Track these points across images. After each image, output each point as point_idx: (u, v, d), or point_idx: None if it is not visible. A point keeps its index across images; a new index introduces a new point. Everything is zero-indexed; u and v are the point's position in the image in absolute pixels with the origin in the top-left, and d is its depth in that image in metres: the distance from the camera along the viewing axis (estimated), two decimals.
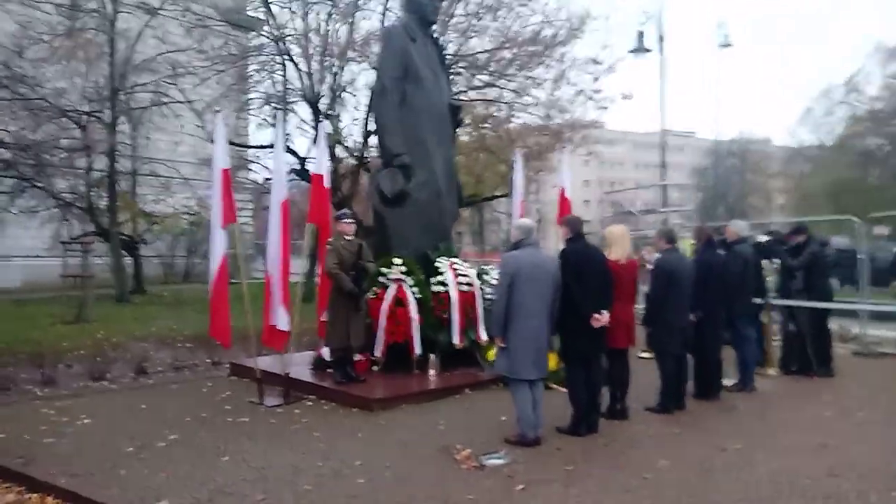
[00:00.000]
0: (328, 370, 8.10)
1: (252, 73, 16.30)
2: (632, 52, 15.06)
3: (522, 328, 5.58)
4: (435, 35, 9.33)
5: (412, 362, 7.92)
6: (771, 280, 8.35)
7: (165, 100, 18.17)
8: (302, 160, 15.72)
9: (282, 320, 7.03)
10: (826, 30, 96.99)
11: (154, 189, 22.14)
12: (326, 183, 7.78)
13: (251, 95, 17.64)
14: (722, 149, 60.17)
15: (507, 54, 12.65)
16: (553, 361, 7.84)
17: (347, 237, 7.56)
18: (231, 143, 18.10)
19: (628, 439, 5.76)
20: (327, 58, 13.16)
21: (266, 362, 7.89)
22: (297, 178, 16.06)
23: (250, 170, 27.36)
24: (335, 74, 13.94)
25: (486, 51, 12.62)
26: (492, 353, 8.10)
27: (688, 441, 5.71)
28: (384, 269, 8.02)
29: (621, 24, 14.59)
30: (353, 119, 15.42)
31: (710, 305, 6.87)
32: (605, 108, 13.43)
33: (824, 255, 8.13)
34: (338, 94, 14.44)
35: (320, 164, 7.74)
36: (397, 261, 8.09)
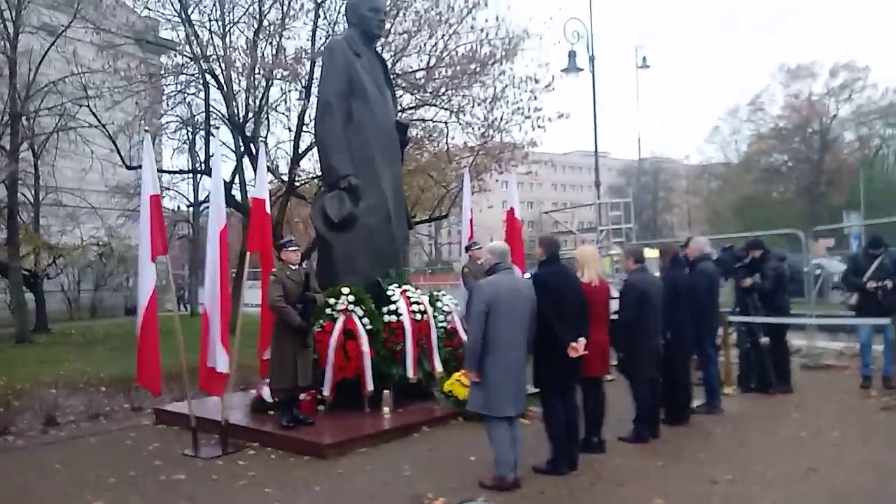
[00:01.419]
0: (269, 412, 7.42)
1: (169, 95, 15.31)
2: (564, 71, 15.02)
3: (500, 361, 5.10)
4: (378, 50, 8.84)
5: (363, 400, 7.30)
6: (727, 296, 8.22)
7: (73, 124, 16.92)
8: (226, 185, 14.83)
9: (221, 361, 6.30)
10: (733, 50, 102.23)
11: (59, 219, 20.63)
12: (267, 208, 7.11)
13: (166, 119, 16.64)
14: (634, 168, 62.21)
15: (444, 72, 12.30)
16: None
17: (293, 266, 6.92)
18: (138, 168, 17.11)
19: (613, 476, 5.35)
20: (255, 76, 12.44)
21: (197, 407, 7.11)
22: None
23: (163, 197, 26.14)
24: (261, 96, 13.22)
25: (423, 69, 12.24)
26: (449, 385, 7.68)
27: (675, 474, 5.35)
28: (331, 300, 7.40)
29: (552, 44, 14.41)
30: (279, 142, 14.71)
31: (679, 326, 6.61)
32: (542, 127, 13.29)
33: (783, 270, 8.06)
34: (264, 115, 13.71)
35: (261, 188, 7.09)
36: (345, 290, 7.49)
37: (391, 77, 8.90)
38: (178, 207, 28.12)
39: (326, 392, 7.23)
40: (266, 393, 7.53)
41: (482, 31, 12.31)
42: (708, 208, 51.07)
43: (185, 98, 15.05)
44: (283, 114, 13.71)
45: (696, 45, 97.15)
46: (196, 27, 13.19)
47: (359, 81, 7.98)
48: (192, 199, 23.63)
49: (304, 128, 13.48)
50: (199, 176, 20.83)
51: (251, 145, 13.57)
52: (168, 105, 15.92)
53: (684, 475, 5.31)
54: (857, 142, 43.21)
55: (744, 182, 46.02)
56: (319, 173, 14.48)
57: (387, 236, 8.14)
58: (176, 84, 15.09)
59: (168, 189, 24.18)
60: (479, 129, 13.39)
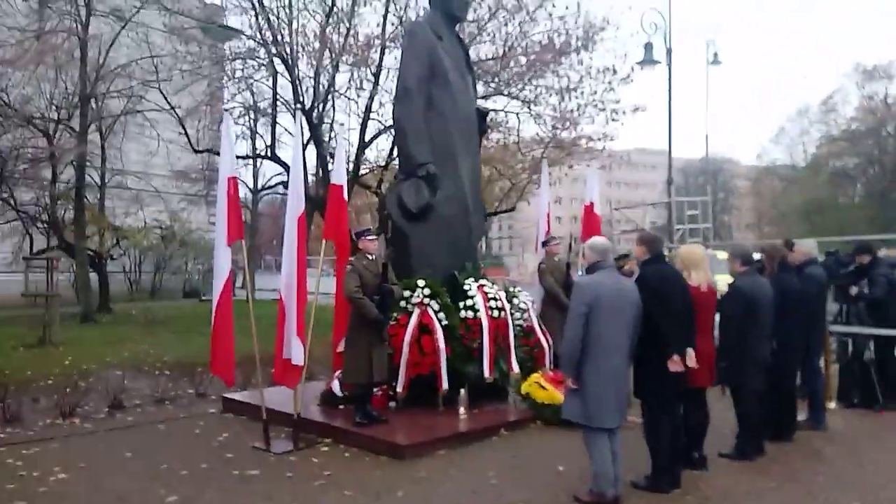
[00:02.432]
0: (339, 406, 7.14)
1: (235, 81, 15.19)
2: (640, 63, 14.37)
3: (603, 367, 4.68)
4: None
5: (437, 398, 6.96)
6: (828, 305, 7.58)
7: (140, 107, 17.01)
8: (289, 170, 14.68)
9: (296, 353, 6.02)
10: (803, 50, 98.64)
11: (123, 202, 20.88)
12: (345, 195, 6.81)
13: (230, 104, 16.56)
14: (694, 167, 60.57)
15: (519, 61, 11.86)
16: None
17: (370, 256, 6.61)
18: (216, 153, 17.08)
19: (723, 497, 4.88)
20: (324, 62, 12.20)
21: (267, 398, 6.86)
22: (285, 190, 15.01)
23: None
24: (328, 82, 12.98)
25: (498, 57, 11.79)
26: (527, 387, 7.28)
27: (793, 499, 4.84)
28: (406, 293, 7.07)
29: (629, 34, 13.80)
30: (344, 129, 14.42)
31: (788, 335, 6.06)
32: (617, 120, 12.74)
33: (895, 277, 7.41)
34: (330, 101, 13.49)
35: (339, 174, 6.78)
36: (421, 283, 7.15)
37: (471, 63, 8.48)
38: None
39: (400, 389, 6.90)
40: (336, 386, 7.26)
41: (561, 18, 11.83)
42: (773, 211, 49.26)
43: (249, 84, 14.91)
44: (352, 100, 13.44)
45: (770, 38, 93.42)
46: (266, 12, 12.99)
47: (440, 66, 7.62)
48: (252, 186, 23.70)
49: (371, 115, 13.22)
50: (259, 162, 20.87)
51: (317, 132, 13.36)
52: (234, 90, 15.84)
53: (803, 499, 4.80)
54: None
55: (811, 185, 44.27)
56: (383, 163, 14.32)
57: (464, 228, 7.78)
58: (243, 68, 14.96)
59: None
60: (550, 120, 12.90)
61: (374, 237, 6.66)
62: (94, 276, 18.67)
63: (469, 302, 7.23)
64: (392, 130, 13.70)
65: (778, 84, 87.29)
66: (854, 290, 7.47)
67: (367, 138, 13.37)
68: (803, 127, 44.76)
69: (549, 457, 5.82)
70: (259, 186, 23.18)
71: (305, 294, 6.12)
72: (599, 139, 12.75)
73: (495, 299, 7.39)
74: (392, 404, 7.06)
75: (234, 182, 6.13)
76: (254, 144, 19.75)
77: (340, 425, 6.55)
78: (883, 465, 5.58)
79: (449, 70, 7.67)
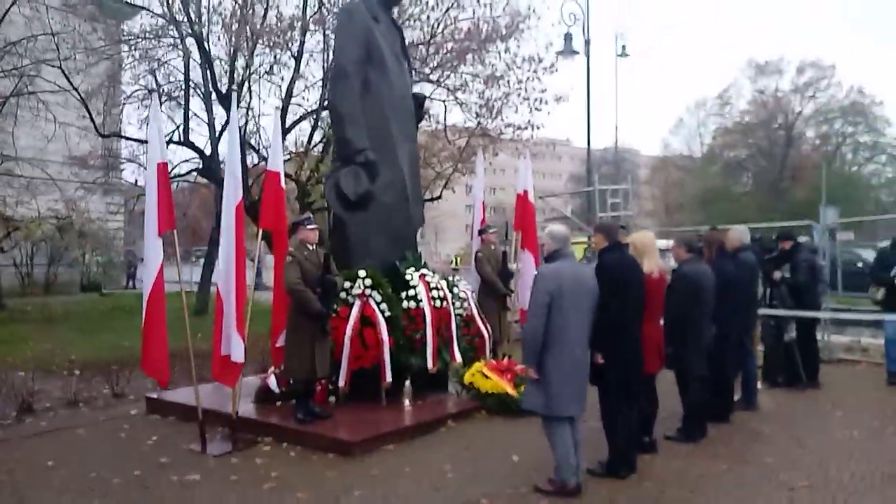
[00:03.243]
0: (277, 403, 6.84)
1: (138, 61, 14.25)
2: (560, 53, 14.53)
3: (564, 357, 4.64)
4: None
5: (381, 391, 6.77)
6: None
7: (33, 88, 15.70)
8: (204, 156, 13.95)
9: (236, 350, 5.68)
10: (709, 42, 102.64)
11: (14, 190, 19.28)
12: (282, 182, 6.48)
13: (132, 87, 15.49)
14: (598, 157, 62.39)
15: (446, 48, 11.71)
16: None
17: (310, 246, 6.32)
18: (124, 137, 16.06)
19: (680, 481, 4.94)
20: (243, 42, 11.63)
21: (190, 395, 6.47)
22: (198, 178, 14.33)
23: (122, 169, 24.75)
24: (247, 62, 12.39)
25: (423, 42, 11.59)
26: (470, 377, 7.20)
27: (748, 480, 4.95)
28: (346, 284, 6.82)
29: (550, 24, 13.90)
30: (263, 113, 13.84)
31: (728, 319, 6.23)
32: (540, 109, 12.82)
33: (816, 262, 7.78)
34: (248, 84, 12.88)
35: (276, 160, 6.43)
36: (362, 273, 6.92)
37: (406, 47, 8.26)
38: (136, 182, 26.88)
39: (341, 383, 6.67)
40: (273, 382, 6.95)
41: (488, 5, 11.75)
42: (671, 200, 51.40)
43: (153, 66, 13.99)
44: (274, 83, 12.88)
45: (674, 33, 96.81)
46: None
47: (377, 49, 7.37)
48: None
49: (292, 100, 12.74)
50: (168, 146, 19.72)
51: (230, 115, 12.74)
52: (138, 71, 14.84)
53: (758, 481, 4.92)
54: (819, 139, 43.96)
55: (707, 174, 46.49)
56: (300, 150, 13.86)
57: (404, 216, 7.59)
58: (146, 49, 14.02)
59: (130, 161, 22.99)
60: (475, 108, 12.84)
61: (315, 226, 6.37)
62: None
63: (411, 292, 7.07)
64: (313, 116, 13.32)
65: (681, 77, 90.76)
66: (777, 275, 7.80)
67: (287, 124, 12.88)
68: (700, 119, 47.01)
69: (502, 447, 5.76)
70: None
71: (244, 287, 5.77)
72: (525, 128, 12.80)
73: (437, 289, 7.26)
74: (332, 399, 6.82)
75: (163, 168, 5.71)
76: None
77: (281, 423, 6.26)
78: (818, 444, 5.81)
79: (385, 53, 7.44)
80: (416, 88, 12.40)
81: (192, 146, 13.50)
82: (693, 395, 5.87)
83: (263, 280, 24.56)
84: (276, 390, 6.91)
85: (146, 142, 17.52)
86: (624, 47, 27.31)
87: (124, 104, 15.95)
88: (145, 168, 21.37)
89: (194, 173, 14.78)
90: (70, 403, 7.61)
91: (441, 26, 11.84)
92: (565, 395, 4.66)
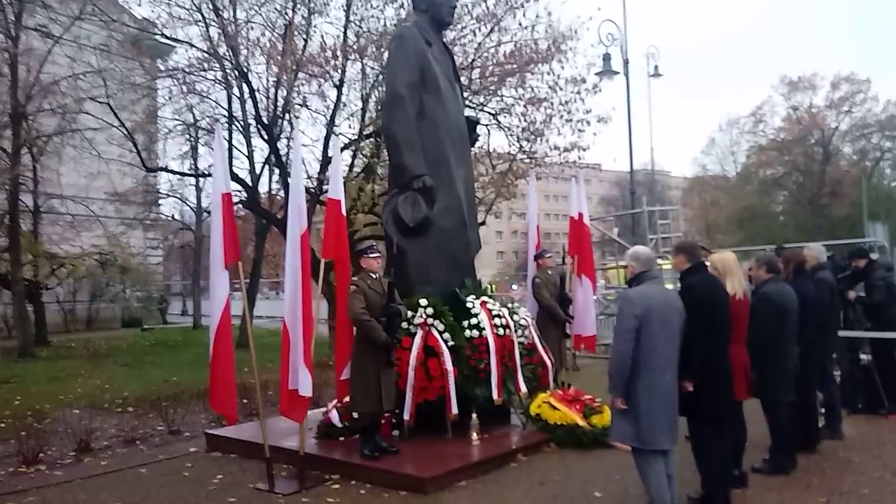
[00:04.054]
0: (340, 438, 6.66)
1: (182, 96, 14.38)
2: (599, 74, 14.41)
3: (655, 384, 4.40)
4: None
5: (446, 424, 6.55)
6: None
7: (76, 126, 15.97)
8: (248, 188, 14.00)
9: (304, 384, 5.51)
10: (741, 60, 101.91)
11: (59, 227, 19.61)
12: (343, 209, 6.36)
13: (172, 122, 15.60)
14: (627, 180, 61.89)
15: (490, 70, 11.63)
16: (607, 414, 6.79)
17: (373, 275, 6.17)
18: (171, 171, 16.22)
19: None
20: (285, 74, 11.67)
21: (255, 432, 6.31)
22: (244, 208, 14.38)
23: (160, 204, 25.05)
24: (288, 94, 12.44)
25: (467, 67, 11.50)
26: (536, 408, 6.96)
27: None
28: (408, 313, 6.65)
29: (589, 45, 13.80)
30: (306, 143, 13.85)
31: (809, 343, 5.91)
32: (584, 130, 12.66)
33: (892, 280, 7.42)
34: (290, 115, 12.92)
35: (336, 188, 6.33)
36: (423, 302, 6.75)
37: (458, 70, 8.18)
38: (173, 216, 27.22)
39: (407, 416, 6.47)
40: (335, 416, 6.78)
41: (526, 28, 11.65)
42: (705, 220, 50.64)
43: (200, 98, 14.12)
44: (321, 113, 12.86)
45: (706, 53, 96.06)
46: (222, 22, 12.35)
47: (431, 73, 7.28)
48: (195, 205, 22.72)
49: (335, 129, 12.74)
50: (201, 180, 19.95)
51: (277, 146, 12.80)
52: (179, 105, 14.97)
53: None
54: (857, 154, 43.13)
55: (742, 193, 45.80)
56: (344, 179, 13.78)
57: (462, 242, 7.42)
58: (185, 84, 14.11)
59: (167, 196, 23.24)
60: (518, 131, 12.72)
61: (378, 254, 6.24)
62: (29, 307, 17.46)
63: (473, 320, 6.87)
64: (352, 146, 13.30)
65: (710, 96, 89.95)
66: (852, 295, 7.45)
67: (329, 153, 12.86)
68: (733, 137, 46.43)
69: (578, 482, 5.51)
70: (204, 206, 22.19)
71: (311, 319, 5.62)
72: (570, 149, 12.63)
73: (499, 316, 7.05)
74: (396, 433, 6.62)
75: (227, 199, 5.62)
76: (195, 162, 18.72)
77: (347, 459, 6.07)
78: None
79: (439, 77, 7.34)
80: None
81: (235, 178, 13.53)
82: (781, 423, 5.56)
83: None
84: (339, 424, 6.74)
85: (192, 174, 17.97)
86: (657, 67, 27.08)
87: (166, 139, 16.13)
88: (185, 202, 21.55)
89: (239, 205, 14.80)
90: (127, 441, 7.51)
91: (482, 50, 11.77)
92: (657, 425, 4.41)
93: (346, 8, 12.29)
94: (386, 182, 13.74)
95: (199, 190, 22.97)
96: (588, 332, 8.86)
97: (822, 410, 6.47)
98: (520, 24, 11.57)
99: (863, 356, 7.62)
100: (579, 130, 12.82)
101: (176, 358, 15.07)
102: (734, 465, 5.25)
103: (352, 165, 13.58)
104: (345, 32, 12.32)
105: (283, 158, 13.14)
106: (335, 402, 6.93)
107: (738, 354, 5.07)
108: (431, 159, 7.13)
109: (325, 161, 12.78)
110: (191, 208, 23.55)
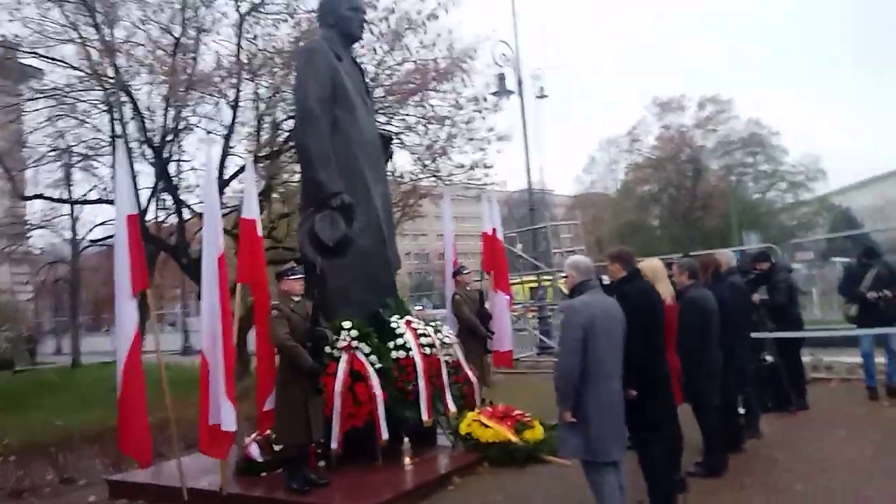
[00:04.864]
0: (262, 474, 6.21)
1: (57, 118, 13.29)
2: (494, 94, 14.60)
3: (603, 394, 4.34)
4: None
5: (376, 450, 6.26)
6: None
7: None
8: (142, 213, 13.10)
9: (227, 418, 5.09)
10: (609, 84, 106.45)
11: None
12: (259, 230, 5.99)
13: (42, 146, 14.33)
14: (515, 199, 63.53)
15: (390, 89, 11.47)
16: (539, 429, 6.74)
17: (295, 298, 5.83)
18: (46, 198, 14.88)
19: None
20: (175, 93, 11.01)
21: (165, 474, 5.78)
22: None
23: (29, 237, 23.05)
24: (178, 113, 11.76)
25: (377, 85, 11.28)
26: (466, 427, 6.79)
27: None
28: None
29: (485, 66, 13.94)
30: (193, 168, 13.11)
31: (729, 345, 6.08)
32: (484, 149, 12.74)
33: (793, 282, 7.83)
34: (178, 136, 12.22)
35: (250, 207, 5.95)
36: (346, 324, 6.45)
37: (368, 85, 8.00)
38: (42, 250, 25.14)
39: (334, 445, 6.12)
40: (255, 451, 6.32)
41: (426, 47, 11.60)
42: (589, 236, 52.60)
43: (79, 122, 13.09)
44: (218, 133, 12.19)
45: (588, 76, 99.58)
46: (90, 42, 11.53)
47: (342, 88, 7.05)
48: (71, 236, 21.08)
49: (230, 151, 12.17)
50: (77, 208, 18.57)
51: (167, 169, 12.07)
52: (48, 131, 13.76)
53: None
54: (724, 169, 46.29)
55: (623, 209, 48.01)
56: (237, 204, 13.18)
57: (381, 260, 7.20)
58: (63, 105, 13.08)
59: (35, 227, 21.42)
60: (421, 150, 12.63)
61: (300, 276, 5.90)
62: None
63: (399, 341, 6.64)
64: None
65: (586, 118, 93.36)
66: (756, 297, 7.79)
67: (226, 176, 12.27)
68: (612, 156, 48.66)
69: (520, 500, 5.37)
70: (80, 236, 20.60)
71: (233, 349, 5.21)
72: (474, 168, 12.66)
73: (425, 335, 6.87)
74: (322, 464, 6.25)
75: (134, 221, 5.14)
76: (69, 189, 17.36)
77: (271, 496, 5.67)
78: (841, 467, 5.67)
79: (351, 92, 7.12)
80: None
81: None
82: (712, 427, 5.66)
83: (193, 343, 23.25)
84: (260, 459, 6.30)
85: (68, 201, 16.61)
86: (542, 88, 27.91)
87: (36, 166, 14.86)
88: (57, 233, 19.86)
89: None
90: (13, 494, 6.71)
91: (383, 67, 11.63)
92: (608, 435, 4.34)
93: (237, 27, 11.82)
94: (284, 204, 13.34)
95: (74, 220, 21.34)
96: (505, 347, 8.83)
97: (742, 411, 6.67)
98: (421, 42, 11.54)
99: (768, 357, 7.96)
100: (481, 149, 12.91)
101: (58, 399, 13.78)
102: (675, 471, 5.28)
103: None
104: (238, 51, 11.83)
105: (174, 181, 12.44)
106: (254, 435, 6.50)
107: (671, 360, 5.13)
108: (347, 176, 6.88)
109: (222, 183, 12.17)
110: (65, 239, 21.80)
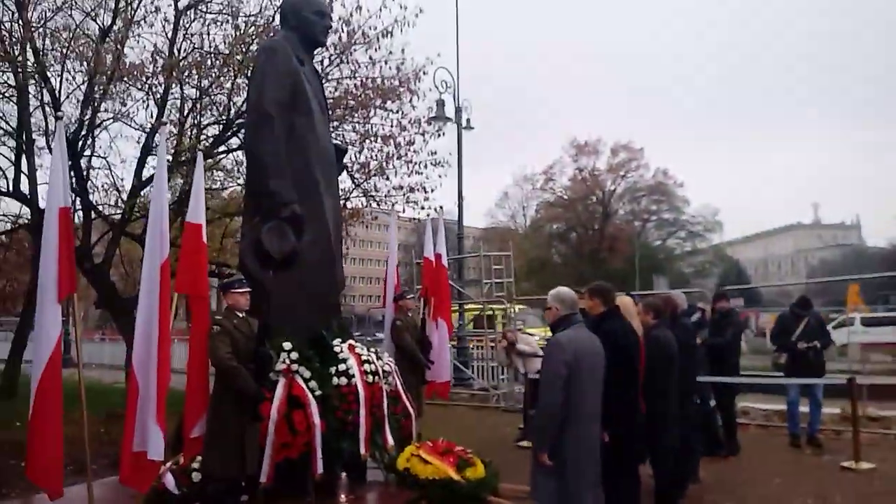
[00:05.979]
0: None
1: None
2: (433, 119, 14.40)
3: (584, 435, 4.14)
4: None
5: (308, 485, 5.75)
6: None
7: None
8: (36, 208, 11.96)
9: (154, 446, 4.51)
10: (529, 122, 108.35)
11: None
12: (204, 237, 5.44)
13: None
14: (422, 227, 63.69)
15: (342, 103, 11.01)
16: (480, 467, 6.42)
17: (240, 313, 5.32)
18: None
19: None
20: (97, 84, 10.15)
21: None
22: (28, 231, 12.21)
23: None
24: (93, 108, 10.84)
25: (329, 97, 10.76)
26: (405, 462, 6.38)
27: None
28: None
29: (428, 89, 13.71)
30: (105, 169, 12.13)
31: (686, 388, 6.04)
32: (421, 173, 12.47)
33: (741, 324, 7.92)
34: (93, 133, 11.27)
35: (197, 211, 5.41)
36: (287, 345, 5.95)
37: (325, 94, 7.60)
38: None
39: (264, 478, 5.56)
40: (171, 482, 5.67)
41: (381, 62, 11.27)
42: (498, 269, 53.21)
43: None
44: (139, 128, 11.31)
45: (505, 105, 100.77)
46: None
47: (303, 92, 6.59)
48: None
49: (152, 152, 11.31)
50: None
51: (79, 163, 11.07)
52: None
53: None
54: (630, 215, 48.17)
55: (531, 245, 48.97)
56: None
57: (328, 279, 6.72)
58: None
59: None
60: (354, 169, 12.18)
61: (246, 289, 5.39)
62: None
63: (342, 366, 6.18)
64: (171, 171, 11.92)
65: (509, 150, 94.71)
66: (699, 339, 7.84)
67: (144, 177, 11.39)
68: (526, 192, 49.70)
69: None
70: None
71: (168, 367, 4.65)
72: (415, 190, 12.34)
73: (369, 362, 6.44)
74: (244, 498, 5.68)
75: (66, 214, 4.52)
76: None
77: None
78: None
79: (311, 98, 6.70)
80: None
81: (22, 198, 11.56)
82: (668, 470, 5.53)
83: (72, 355, 21.50)
84: (176, 491, 5.65)
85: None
86: (468, 120, 28.06)
87: None
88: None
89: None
90: None
91: (329, 80, 11.16)
92: (584, 480, 4.13)
93: (172, 22, 11.10)
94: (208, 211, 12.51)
95: None
96: (443, 378, 8.51)
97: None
98: (370, 58, 11.18)
99: (698, 400, 8.00)
100: (417, 172, 12.61)
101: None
102: None
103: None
104: (170, 47, 11.09)
105: (85, 176, 11.44)
106: (170, 463, 5.85)
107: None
108: (299, 185, 6.42)
109: (141, 184, 11.33)
110: None
